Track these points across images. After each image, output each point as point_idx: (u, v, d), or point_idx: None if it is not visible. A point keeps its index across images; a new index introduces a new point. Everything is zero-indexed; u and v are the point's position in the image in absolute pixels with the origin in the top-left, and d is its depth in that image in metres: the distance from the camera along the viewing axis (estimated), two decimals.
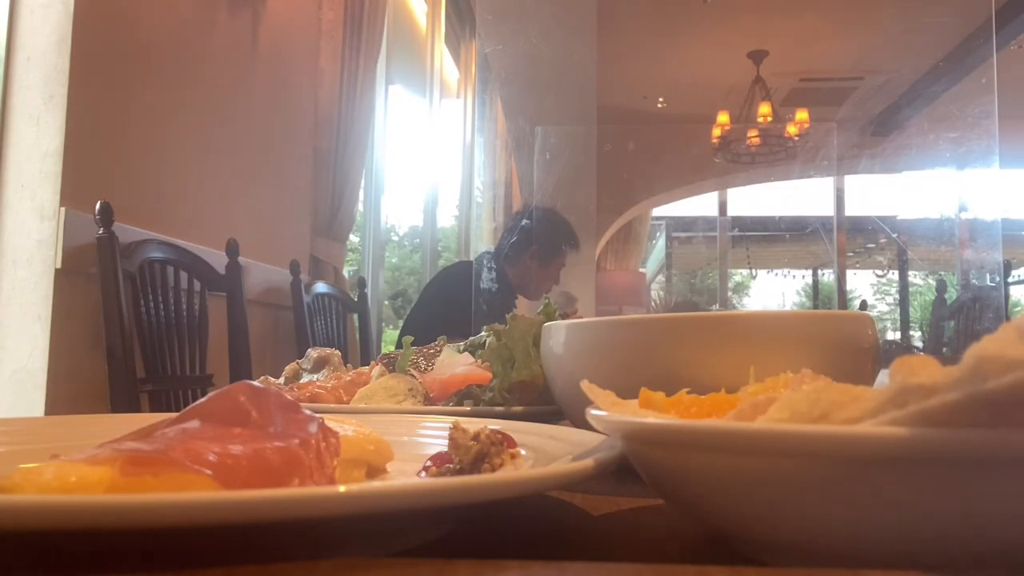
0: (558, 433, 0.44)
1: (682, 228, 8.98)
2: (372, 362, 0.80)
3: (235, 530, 0.22)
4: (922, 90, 5.54)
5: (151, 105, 1.84)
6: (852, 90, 5.91)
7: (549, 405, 0.62)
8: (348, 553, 0.26)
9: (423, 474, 0.38)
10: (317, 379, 0.81)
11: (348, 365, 0.90)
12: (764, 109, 5.42)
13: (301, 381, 0.81)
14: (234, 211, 2.20)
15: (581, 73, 4.52)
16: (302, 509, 0.22)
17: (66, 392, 1.56)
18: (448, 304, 2.41)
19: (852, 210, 7.58)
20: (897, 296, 9.61)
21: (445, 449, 0.37)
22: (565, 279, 2.75)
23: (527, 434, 0.43)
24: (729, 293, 9.05)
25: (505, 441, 0.37)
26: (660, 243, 9.36)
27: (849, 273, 8.67)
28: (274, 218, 2.48)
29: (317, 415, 0.34)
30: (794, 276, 10.32)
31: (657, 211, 8.20)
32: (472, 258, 2.93)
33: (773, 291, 11.08)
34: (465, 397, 0.65)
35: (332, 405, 0.69)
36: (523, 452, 0.39)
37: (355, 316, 2.82)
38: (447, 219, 5.39)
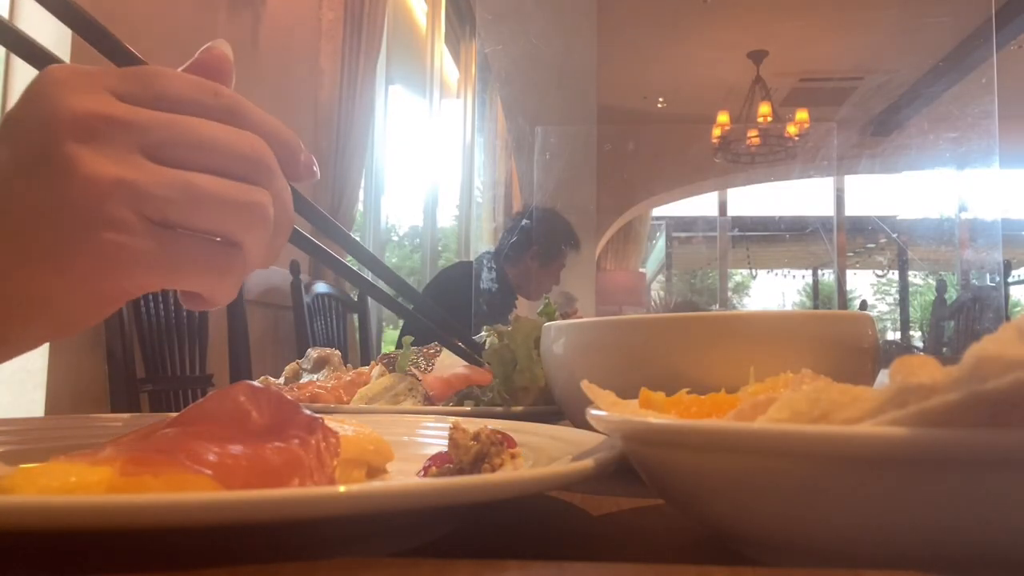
0: (558, 433, 0.44)
1: (682, 228, 8.98)
2: (372, 362, 0.80)
3: (235, 530, 0.22)
4: (922, 90, 5.55)
5: None
6: (852, 90, 5.91)
7: (549, 405, 0.62)
8: (348, 553, 0.26)
9: (423, 474, 0.38)
10: (317, 379, 0.81)
11: (348, 365, 0.90)
12: (764, 109, 5.42)
13: (301, 381, 0.81)
14: None
15: (581, 73, 4.51)
16: (302, 509, 0.22)
17: (66, 392, 1.56)
18: (448, 305, 2.41)
19: (852, 210, 7.59)
20: (897, 296, 9.61)
21: (445, 449, 0.37)
22: (565, 279, 2.75)
23: (527, 434, 0.43)
24: (729, 293, 9.05)
25: (505, 441, 0.37)
26: (660, 243, 9.36)
27: (849, 273, 8.67)
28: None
29: (317, 415, 0.34)
30: (794, 276, 10.33)
31: (657, 211, 8.20)
32: (472, 258, 2.93)
33: (773, 291, 11.09)
34: (465, 397, 0.65)
35: (332, 405, 0.69)
36: (523, 452, 0.39)
37: (355, 316, 2.82)
38: (447, 219, 5.38)
